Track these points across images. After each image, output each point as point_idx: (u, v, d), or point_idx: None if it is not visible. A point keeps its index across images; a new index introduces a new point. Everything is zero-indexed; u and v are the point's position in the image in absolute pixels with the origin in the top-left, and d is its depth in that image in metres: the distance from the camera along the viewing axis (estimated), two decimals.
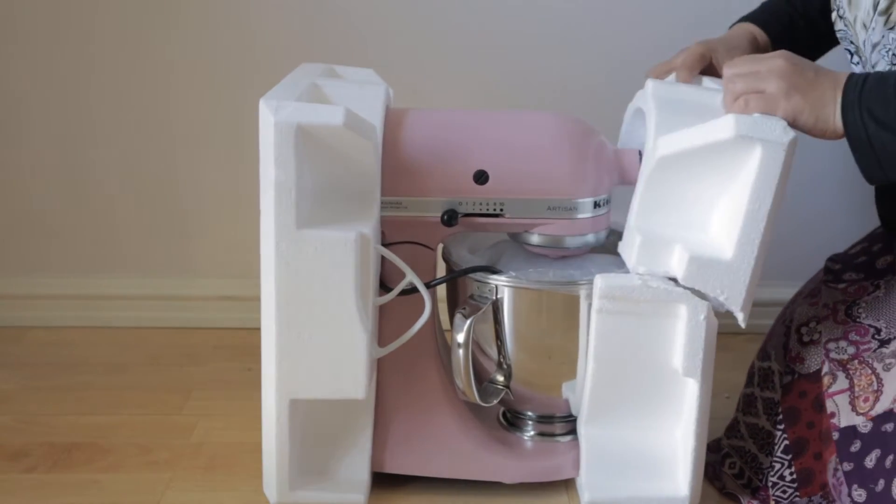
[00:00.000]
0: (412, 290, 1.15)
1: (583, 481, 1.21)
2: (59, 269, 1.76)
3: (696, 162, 1.10)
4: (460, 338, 1.15)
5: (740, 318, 1.12)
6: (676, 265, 1.11)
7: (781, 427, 1.24)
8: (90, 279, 1.76)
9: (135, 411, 1.45)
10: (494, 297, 1.19)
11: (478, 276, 1.20)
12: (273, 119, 1.03)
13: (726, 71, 1.13)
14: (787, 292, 1.40)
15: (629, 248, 1.14)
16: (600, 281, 1.12)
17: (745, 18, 1.34)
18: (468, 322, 1.15)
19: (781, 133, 1.06)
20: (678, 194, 1.13)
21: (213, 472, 1.30)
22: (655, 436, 1.19)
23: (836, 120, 1.08)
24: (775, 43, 1.28)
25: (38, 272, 1.76)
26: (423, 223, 1.17)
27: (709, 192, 1.12)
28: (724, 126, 1.06)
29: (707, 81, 1.25)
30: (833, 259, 1.34)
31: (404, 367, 1.22)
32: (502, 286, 1.18)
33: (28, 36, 1.66)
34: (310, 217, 1.07)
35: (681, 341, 1.13)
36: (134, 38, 1.66)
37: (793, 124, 1.08)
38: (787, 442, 1.22)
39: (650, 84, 1.19)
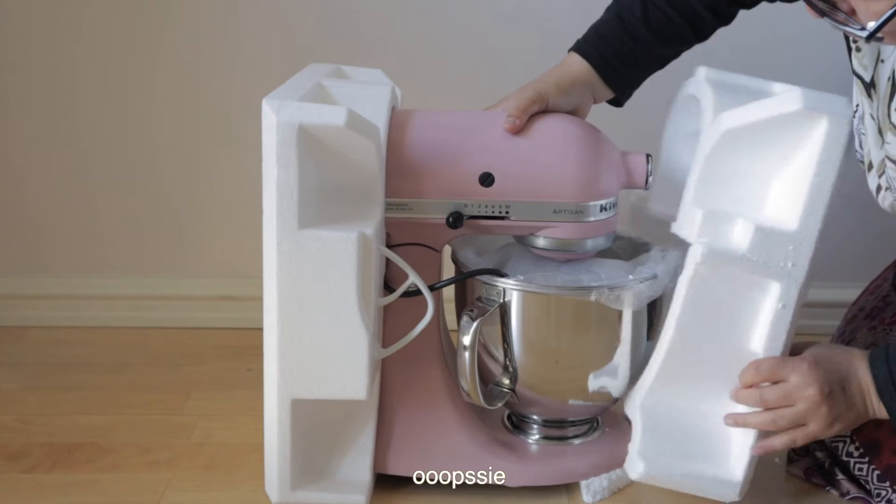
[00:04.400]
0: (416, 291, 1.15)
1: (635, 451, 1.20)
2: (60, 269, 1.76)
3: (759, 136, 1.11)
4: (466, 340, 1.15)
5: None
6: (741, 236, 1.12)
7: (866, 460, 1.24)
8: (90, 279, 1.75)
9: (135, 411, 1.45)
10: (502, 300, 1.18)
11: (485, 278, 1.19)
12: (275, 119, 1.03)
13: (750, 376, 1.15)
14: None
15: (689, 223, 1.15)
16: (700, 247, 1.12)
17: (577, 43, 1.28)
18: (475, 324, 1.15)
19: (844, 106, 1.07)
20: (737, 170, 1.14)
21: (213, 472, 1.30)
22: (716, 418, 1.19)
23: (871, 415, 1.13)
24: (599, 72, 1.25)
25: (38, 272, 1.76)
26: (428, 225, 1.17)
27: (767, 168, 1.13)
28: (791, 99, 1.08)
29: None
30: None
31: (408, 368, 1.21)
32: (510, 289, 1.18)
33: (21, 35, 1.66)
34: (312, 217, 1.07)
35: (766, 320, 1.13)
36: (132, 36, 1.66)
37: None
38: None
39: (702, 69, 1.20)
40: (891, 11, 0.90)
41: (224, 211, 1.73)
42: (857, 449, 1.22)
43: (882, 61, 1.02)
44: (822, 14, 0.96)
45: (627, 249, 1.30)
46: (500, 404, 1.23)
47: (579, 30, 1.28)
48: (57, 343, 1.69)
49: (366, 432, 1.21)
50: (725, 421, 1.17)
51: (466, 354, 1.15)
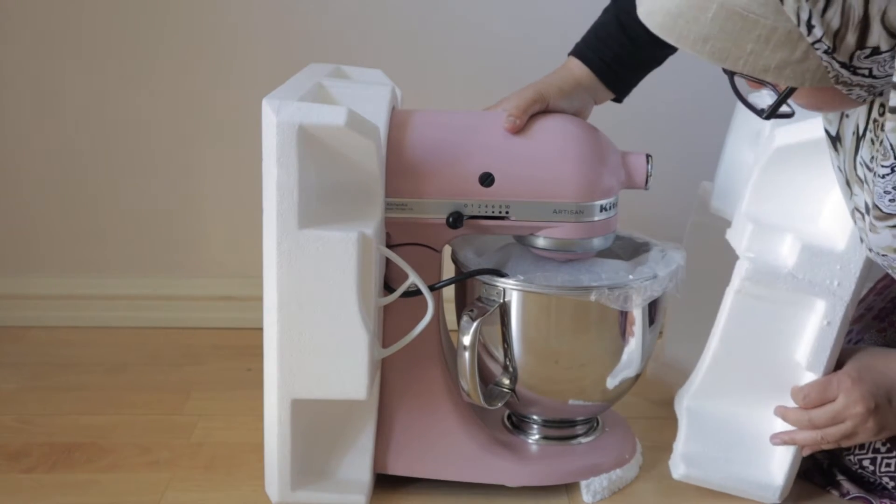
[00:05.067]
0: (416, 291, 1.14)
1: (679, 453, 1.22)
2: (59, 269, 1.76)
3: (813, 153, 1.11)
4: (466, 340, 1.15)
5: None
6: (787, 254, 1.13)
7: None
8: (90, 279, 1.75)
9: (135, 411, 1.45)
10: (502, 300, 1.18)
11: (485, 278, 1.19)
12: (275, 119, 1.03)
13: (800, 404, 1.16)
14: None
15: (739, 235, 1.16)
16: (747, 263, 1.13)
17: (577, 46, 1.28)
18: (475, 324, 1.15)
19: None
20: (792, 184, 1.15)
21: (213, 472, 1.30)
22: (759, 422, 1.20)
23: None
24: (601, 77, 1.25)
25: (37, 272, 1.76)
26: (428, 225, 1.17)
27: (822, 184, 1.13)
28: None
29: None
30: None
31: (408, 368, 1.21)
32: (510, 289, 1.18)
33: (20, 35, 1.66)
34: (312, 217, 1.07)
35: (811, 336, 1.14)
36: (132, 35, 1.66)
37: None
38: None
39: None
40: (778, 99, 0.92)
41: (224, 211, 1.73)
42: (883, 444, 1.22)
43: (847, 116, 1.03)
44: (739, 95, 0.97)
45: (627, 249, 1.30)
46: (500, 404, 1.23)
47: (579, 29, 1.28)
48: (57, 343, 1.69)
49: (366, 432, 1.21)
50: (772, 441, 1.18)
51: (466, 354, 1.15)
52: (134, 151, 1.71)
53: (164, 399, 1.49)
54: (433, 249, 1.18)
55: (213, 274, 1.75)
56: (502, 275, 1.18)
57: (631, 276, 1.19)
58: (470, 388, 1.17)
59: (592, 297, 1.15)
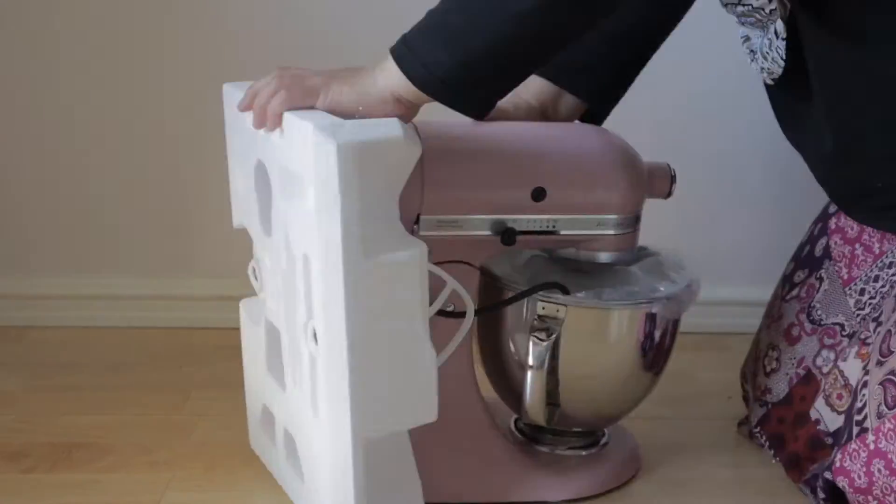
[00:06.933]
0: (453, 312, 1.12)
1: None
2: (59, 269, 1.74)
3: None
4: (536, 361, 1.14)
5: None
6: None
7: (772, 452, 1.31)
8: (90, 279, 1.74)
9: (135, 411, 1.45)
10: (564, 316, 1.16)
11: (545, 295, 1.17)
12: (335, 142, 0.95)
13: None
14: None
15: None
16: None
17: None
18: (545, 345, 1.14)
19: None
20: None
21: (213, 472, 1.30)
22: None
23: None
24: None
25: (38, 272, 1.74)
26: (473, 242, 1.13)
27: None
28: None
29: None
30: (792, 258, 1.38)
31: (442, 385, 1.14)
32: (571, 306, 1.16)
33: (21, 31, 1.64)
34: (375, 242, 1.00)
35: None
36: (130, 34, 1.65)
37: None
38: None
39: None
40: None
41: (225, 210, 1.72)
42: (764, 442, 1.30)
43: None
44: None
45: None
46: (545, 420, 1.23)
47: None
48: (57, 343, 1.67)
49: (407, 460, 1.14)
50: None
51: (536, 375, 1.15)
52: (134, 152, 1.70)
53: (164, 399, 1.48)
54: (473, 266, 1.16)
55: (213, 274, 1.74)
56: (566, 291, 1.17)
57: (664, 286, 1.20)
58: (537, 408, 1.17)
59: (654, 310, 1.17)
